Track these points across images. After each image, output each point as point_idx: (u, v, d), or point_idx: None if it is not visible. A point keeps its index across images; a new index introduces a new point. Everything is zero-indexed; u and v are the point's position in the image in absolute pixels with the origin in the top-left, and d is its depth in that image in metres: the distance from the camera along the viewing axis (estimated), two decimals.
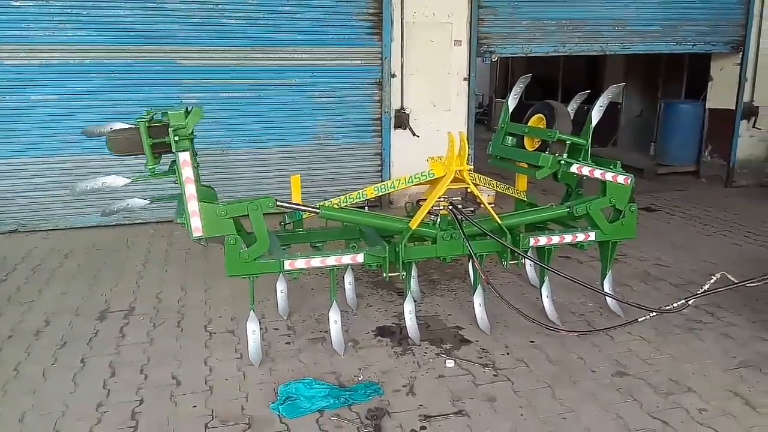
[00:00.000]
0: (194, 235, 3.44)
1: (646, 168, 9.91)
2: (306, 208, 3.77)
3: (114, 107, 6.70)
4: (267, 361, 3.72)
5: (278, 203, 3.45)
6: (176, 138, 3.30)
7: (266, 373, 3.58)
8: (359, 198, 4.10)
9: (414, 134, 7.63)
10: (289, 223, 4.30)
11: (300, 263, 3.64)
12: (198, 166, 3.57)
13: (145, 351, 3.87)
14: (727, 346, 3.88)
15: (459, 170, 3.82)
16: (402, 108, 7.58)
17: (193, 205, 3.41)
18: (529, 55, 8.18)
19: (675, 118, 10.07)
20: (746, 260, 5.63)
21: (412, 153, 7.55)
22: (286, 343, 3.97)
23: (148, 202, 3.51)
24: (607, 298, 4.40)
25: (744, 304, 4.49)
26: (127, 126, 3.45)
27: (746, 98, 8.85)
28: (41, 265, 5.55)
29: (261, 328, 4.02)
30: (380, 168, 7.71)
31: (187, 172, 3.37)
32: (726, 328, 4.15)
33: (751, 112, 8.87)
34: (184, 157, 3.36)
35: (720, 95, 9.19)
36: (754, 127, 8.92)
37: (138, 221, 6.97)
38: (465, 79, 7.76)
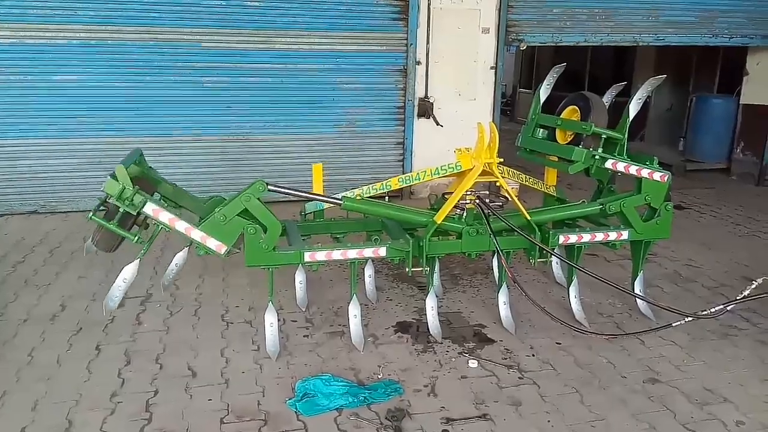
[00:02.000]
0: (222, 254, 3.36)
1: (674, 164, 9.60)
2: (327, 199, 3.65)
3: (136, 89, 6.64)
4: (284, 354, 3.62)
5: (270, 188, 3.30)
6: (126, 203, 3.21)
7: (284, 366, 3.49)
8: (383, 189, 3.97)
9: (438, 123, 7.46)
10: (310, 213, 4.18)
11: (320, 255, 3.52)
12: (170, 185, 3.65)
13: (161, 339, 3.80)
14: (764, 355, 3.70)
15: (488, 163, 3.66)
16: (426, 96, 7.40)
17: (196, 234, 3.33)
18: (558, 44, 7.94)
19: (706, 112, 9.75)
20: None
21: (435, 143, 7.40)
22: (304, 336, 3.87)
23: (138, 260, 3.44)
24: (637, 300, 4.22)
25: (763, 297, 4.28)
26: (95, 229, 3.41)
27: None
28: (59, 248, 5.51)
29: (279, 320, 3.93)
30: (402, 157, 7.56)
31: (164, 216, 3.31)
32: (762, 335, 3.96)
33: None
34: (150, 208, 3.28)
35: (755, 90, 8.86)
36: None
37: None
38: (492, 68, 7.55)
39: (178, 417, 3.02)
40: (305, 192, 3.69)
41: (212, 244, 3.35)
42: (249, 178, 6.99)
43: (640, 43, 8.21)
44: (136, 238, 3.38)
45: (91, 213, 3.28)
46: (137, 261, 3.47)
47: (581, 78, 13.97)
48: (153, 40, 6.56)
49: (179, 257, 4.06)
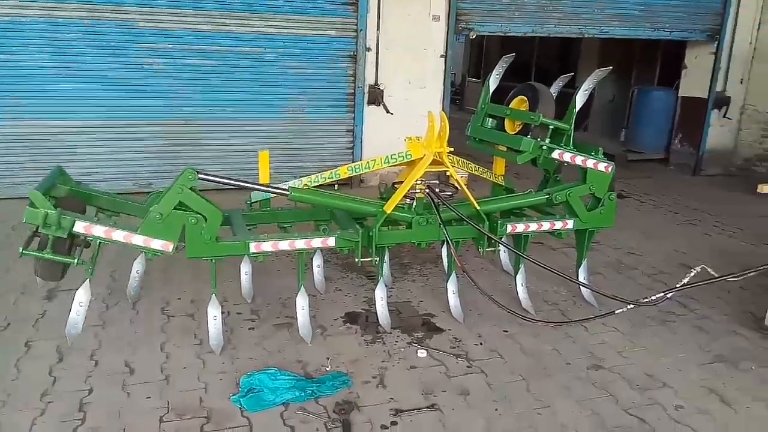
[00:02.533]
0: (170, 251, 3.22)
1: (616, 154, 9.88)
2: (274, 190, 3.53)
3: (69, 69, 6.28)
4: (229, 348, 3.50)
5: (201, 176, 3.16)
6: (54, 227, 3.04)
7: (228, 361, 3.37)
8: (332, 177, 3.88)
9: (388, 111, 7.40)
10: (256, 202, 4.05)
11: (267, 246, 3.41)
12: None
13: (96, 335, 3.61)
14: (701, 340, 3.84)
15: (438, 152, 3.62)
16: (376, 83, 7.32)
17: (137, 240, 3.19)
18: (507, 34, 8.00)
19: (647, 104, 10.07)
20: (717, 251, 5.63)
21: (385, 131, 7.34)
22: (250, 329, 3.76)
23: (87, 280, 3.29)
24: (581, 288, 4.31)
25: (717, 296, 4.47)
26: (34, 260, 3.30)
27: (719, 87, 8.88)
28: None
29: (223, 313, 3.80)
30: (352, 145, 7.47)
31: (98, 230, 3.16)
32: (700, 321, 4.11)
33: (722, 101, 8.91)
34: (81, 226, 3.13)
35: (693, 84, 9.21)
36: (725, 116, 8.97)
37: None
38: (442, 57, 7.53)
39: (113, 416, 2.87)
40: (245, 181, 3.55)
41: (157, 245, 3.21)
42: (191, 164, 6.73)
43: (586, 35, 8.38)
44: (76, 260, 3.24)
45: (22, 248, 3.09)
46: (87, 282, 3.32)
47: (528, 69, 14.18)
48: (88, 18, 6.21)
49: (138, 263, 3.93)
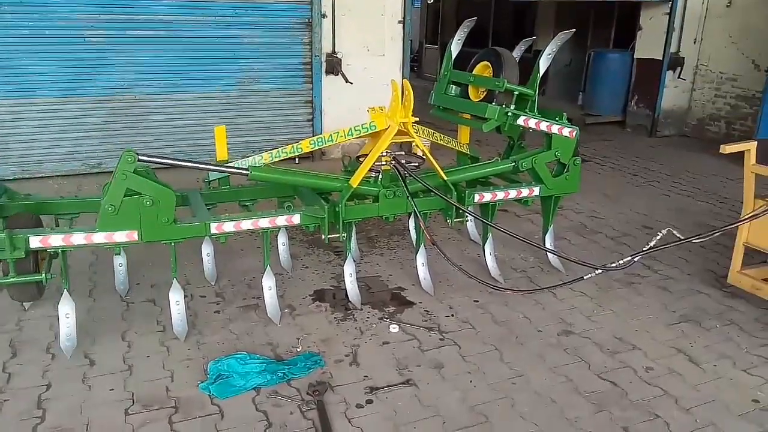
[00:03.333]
0: (138, 240, 3.08)
1: (574, 118, 9.90)
2: (233, 170, 3.37)
3: (2, 44, 5.86)
4: (194, 333, 3.38)
5: (142, 158, 2.97)
6: (8, 251, 2.90)
7: (193, 347, 3.25)
8: (294, 152, 3.74)
9: (347, 81, 7.21)
10: (214, 180, 3.88)
11: (228, 226, 3.27)
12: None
13: (52, 326, 3.41)
14: (667, 300, 3.91)
15: (403, 122, 3.52)
16: (334, 52, 7.10)
17: (98, 238, 3.03)
18: None
19: (603, 67, 10.14)
20: (675, 210, 5.75)
21: (345, 101, 7.17)
22: (215, 312, 3.64)
23: (65, 290, 3.15)
24: (548, 253, 4.32)
25: (678, 256, 4.55)
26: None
27: (673, 48, 8.98)
28: None
29: (186, 296, 3.67)
30: (311, 116, 7.27)
31: (55, 240, 2.99)
32: (664, 281, 4.19)
33: (677, 62, 9.03)
34: (36, 241, 2.96)
35: (648, 45, 9.29)
36: (679, 77, 9.11)
37: (40, 174, 6.24)
38: (400, 23, 7.35)
39: (75, 412, 2.73)
40: (198, 162, 3.38)
41: (121, 237, 3.05)
42: (141, 143, 6.51)
43: None
44: (44, 277, 3.15)
45: None
46: (65, 293, 3.14)
47: (486, 34, 14.06)
48: None
49: (119, 258, 3.79)
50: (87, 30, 6.10)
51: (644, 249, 3.56)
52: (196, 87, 6.69)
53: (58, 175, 6.27)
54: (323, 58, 7.09)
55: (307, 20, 6.93)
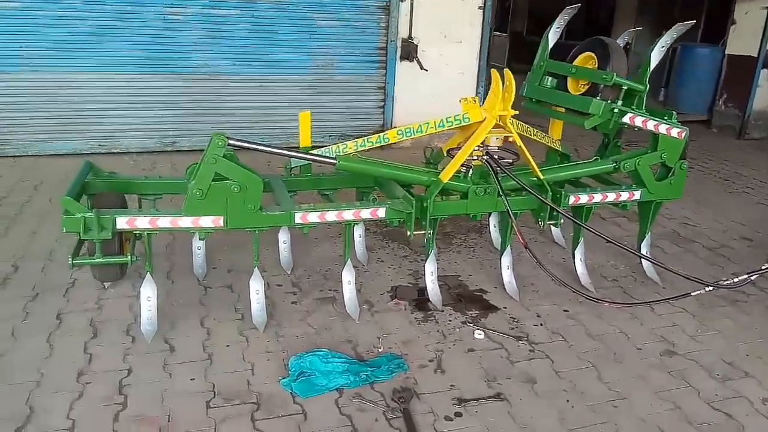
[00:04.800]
0: (223, 226, 3.00)
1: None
2: (320, 158, 3.22)
3: (87, 18, 5.90)
4: (272, 324, 3.27)
5: (231, 142, 2.86)
6: (95, 231, 2.86)
7: (272, 339, 3.14)
8: (380, 142, 3.55)
9: (422, 68, 6.98)
10: (296, 167, 3.75)
11: (313, 216, 3.13)
12: None
13: (131, 306, 3.38)
14: None
15: (501, 116, 3.28)
16: (410, 37, 6.88)
17: (185, 222, 2.97)
18: None
19: (690, 62, 9.55)
20: None
21: (419, 88, 6.97)
22: (292, 303, 3.52)
23: (148, 273, 3.09)
24: (642, 261, 4.01)
25: None
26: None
27: None
28: (7, 198, 4.93)
29: (264, 285, 3.57)
30: (383, 103, 7.09)
31: (141, 222, 2.94)
32: None
33: None
34: (123, 222, 2.91)
35: (741, 41, 8.64)
36: None
37: (116, 150, 6.31)
38: (480, 8, 7.06)
39: (157, 401, 2.66)
40: (287, 148, 3.25)
41: (206, 222, 2.97)
42: (216, 123, 6.49)
43: None
44: (130, 258, 3.09)
45: (70, 258, 2.96)
46: (148, 276, 3.09)
47: None
48: None
49: (198, 242, 3.76)
50: (166, 7, 6.08)
51: (763, 268, 3.22)
52: (271, 69, 6.61)
53: (133, 152, 6.32)
54: (399, 44, 6.88)
55: (385, 3, 6.73)
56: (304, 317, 3.37)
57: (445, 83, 6.97)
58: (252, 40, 6.45)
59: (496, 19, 16.45)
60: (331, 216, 3.18)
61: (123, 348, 3.02)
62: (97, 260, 3.01)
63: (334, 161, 3.21)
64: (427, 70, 7.02)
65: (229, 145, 2.90)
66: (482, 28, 7.14)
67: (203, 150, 2.90)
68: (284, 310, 3.44)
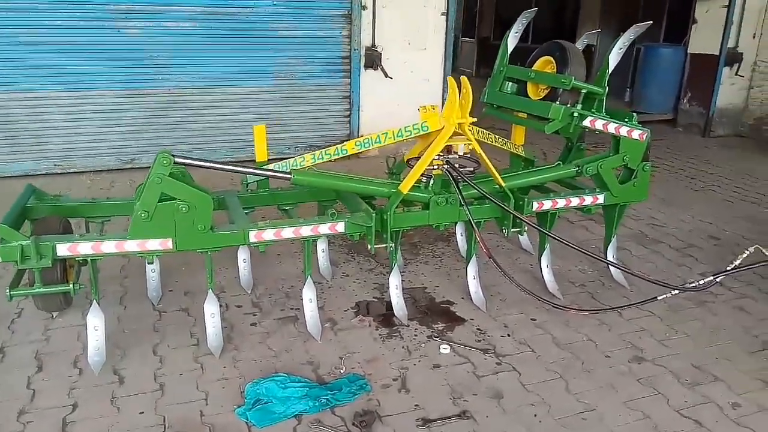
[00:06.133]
0: (173, 249, 2.86)
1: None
2: (273, 173, 3.11)
3: (37, 36, 5.70)
4: (229, 349, 3.13)
5: (178, 160, 2.73)
6: (34, 260, 2.69)
7: (229, 365, 3.00)
8: (338, 154, 3.45)
9: (386, 75, 6.91)
10: (252, 182, 3.62)
11: (269, 234, 3.01)
12: None
13: (80, 336, 3.21)
14: (746, 323, 3.52)
15: (460, 123, 3.20)
16: (373, 45, 6.80)
17: (131, 246, 2.80)
18: None
19: (654, 63, 9.62)
20: (741, 218, 5.31)
21: (384, 96, 6.89)
22: (252, 325, 3.39)
23: (94, 301, 2.92)
24: (610, 266, 3.96)
25: (753, 271, 4.13)
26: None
27: (731, 44, 8.43)
28: None
29: (221, 306, 3.43)
30: (349, 112, 6.99)
31: (84, 248, 2.78)
32: (739, 300, 3.79)
33: (734, 58, 8.48)
34: (65, 248, 2.75)
35: (703, 40, 8.74)
36: (737, 74, 8.56)
37: (72, 170, 6.10)
38: (443, 14, 7.01)
39: None
40: (235, 164, 3.12)
41: (154, 245, 2.82)
42: (175, 139, 6.33)
43: None
44: (73, 286, 2.92)
45: (8, 290, 2.78)
46: (95, 304, 2.92)
47: (526, 28, 13.55)
48: None
49: (152, 263, 3.58)
50: (120, 21, 5.91)
51: (729, 268, 3.18)
52: (232, 81, 6.47)
53: (90, 171, 6.12)
54: (362, 52, 6.80)
55: (346, 12, 6.64)
56: (264, 339, 3.24)
57: (410, 90, 6.91)
58: (211, 53, 6.30)
59: (464, 25, 16.55)
60: (288, 233, 3.06)
61: (69, 381, 2.85)
62: (36, 290, 2.85)
63: (289, 176, 3.09)
64: (392, 78, 6.94)
65: (175, 163, 2.77)
66: (446, 35, 7.09)
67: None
68: (243, 332, 3.30)
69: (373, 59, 6.83)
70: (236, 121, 6.46)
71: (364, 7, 6.64)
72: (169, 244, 2.84)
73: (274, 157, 6.37)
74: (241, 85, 6.51)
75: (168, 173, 2.74)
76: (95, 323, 2.94)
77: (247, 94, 6.56)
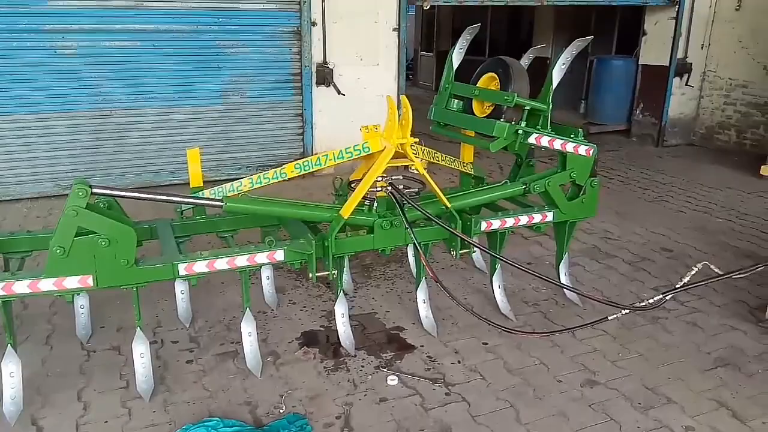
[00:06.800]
0: (94, 286, 2.65)
1: (577, 127, 9.54)
2: (204, 202, 2.94)
3: None
4: (161, 390, 2.92)
5: (96, 191, 2.56)
6: None
7: (159, 408, 2.79)
8: (276, 178, 3.29)
9: (339, 92, 6.79)
10: (188, 209, 3.43)
11: (200, 266, 2.83)
12: None
13: None
14: (698, 340, 3.47)
15: (401, 144, 3.09)
16: (325, 62, 6.68)
17: (46, 285, 2.59)
18: (462, 3, 7.44)
19: (606, 74, 9.74)
20: (693, 229, 5.33)
21: (338, 113, 6.76)
22: (188, 362, 3.18)
23: (9, 346, 2.68)
24: (563, 282, 3.88)
25: (705, 285, 4.11)
26: None
27: (680, 54, 8.59)
28: None
29: (155, 342, 3.23)
30: (302, 130, 6.84)
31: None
32: (691, 315, 3.75)
33: (684, 68, 8.64)
34: None
35: (653, 51, 8.89)
36: (687, 84, 8.72)
37: (6, 197, 5.78)
38: (395, 30, 6.94)
39: None
40: (153, 193, 2.94)
41: (72, 283, 2.61)
42: (118, 160, 6.10)
43: (545, 2, 7.89)
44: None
45: None
46: (9, 348, 2.70)
47: (482, 41, 13.69)
48: None
49: (81, 299, 3.34)
50: (57, 41, 5.66)
51: (677, 286, 3.13)
52: (178, 101, 6.26)
53: (27, 198, 5.82)
54: (313, 69, 6.67)
55: (295, 28, 6.51)
56: (200, 378, 3.04)
57: (364, 107, 6.78)
58: (155, 72, 6.09)
59: (423, 39, 16.62)
60: (222, 264, 2.89)
61: None
62: None
63: (221, 203, 2.92)
64: (344, 95, 6.82)
65: (93, 193, 2.57)
66: (398, 50, 7.02)
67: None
68: (177, 371, 3.10)
69: (325, 76, 6.70)
70: (183, 142, 6.23)
71: (313, 23, 6.52)
72: (89, 281, 2.64)
73: (225, 178, 6.22)
74: (187, 104, 6.30)
75: (85, 205, 2.54)
76: (11, 369, 2.71)
77: (194, 114, 6.35)
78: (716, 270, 3.06)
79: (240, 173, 6.28)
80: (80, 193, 2.52)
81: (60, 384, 2.97)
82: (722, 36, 8.48)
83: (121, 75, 5.95)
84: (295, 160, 3.72)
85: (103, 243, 2.60)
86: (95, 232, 2.59)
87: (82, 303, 3.40)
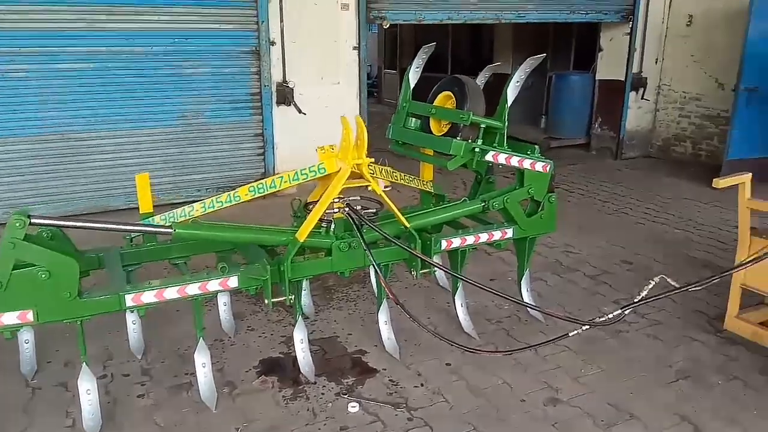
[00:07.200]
0: (35, 321, 2.53)
1: (538, 142, 9.67)
2: (152, 229, 2.84)
3: None
4: (110, 428, 2.78)
5: (35, 221, 2.44)
6: None
7: None
8: (230, 201, 3.21)
9: (300, 111, 6.73)
10: (137, 236, 3.31)
11: (149, 296, 2.71)
12: None
13: None
14: (659, 352, 3.49)
15: (357, 164, 3.04)
16: (284, 81, 6.62)
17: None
18: (422, 22, 7.49)
19: (565, 90, 9.93)
20: (652, 241, 5.40)
21: (299, 132, 6.69)
22: (139, 396, 3.05)
23: None
24: (524, 298, 3.87)
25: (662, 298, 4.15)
26: None
27: (635, 69, 8.80)
28: None
29: (105, 377, 3.09)
30: (263, 150, 6.75)
31: None
32: (652, 327, 3.78)
33: (639, 83, 8.86)
34: None
35: (609, 66, 9.09)
36: (642, 98, 8.93)
37: None
38: (355, 48, 6.94)
39: None
40: (95, 222, 2.83)
41: (11, 319, 2.49)
42: (72, 185, 5.92)
43: (503, 20, 8.00)
44: None
45: None
46: None
47: (444, 59, 13.84)
48: None
49: (25, 334, 3.17)
50: (5, 65, 5.48)
51: (636, 301, 3.13)
52: (134, 123, 6.10)
53: None
54: (273, 88, 6.60)
55: (254, 48, 6.44)
56: (151, 413, 2.91)
57: (326, 126, 6.63)
58: (109, 95, 5.94)
59: (386, 56, 16.73)
60: (172, 293, 2.78)
61: None
62: None
63: (170, 230, 2.81)
64: (305, 114, 6.77)
65: (31, 224, 2.45)
66: (359, 68, 7.02)
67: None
68: (127, 407, 2.96)
69: (286, 95, 6.64)
70: (138, 165, 6.06)
71: (272, 43, 6.47)
72: (29, 316, 2.51)
73: (183, 200, 6.05)
74: (143, 126, 6.15)
75: (22, 236, 2.41)
76: None
77: (150, 136, 6.20)
78: (673, 283, 3.08)
79: (199, 195, 6.16)
80: (17, 224, 2.40)
81: (1, 425, 2.80)
82: (675, 51, 8.73)
83: (74, 98, 5.78)
84: (257, 180, 3.65)
85: (43, 275, 2.47)
86: (35, 265, 2.47)
87: (26, 337, 3.23)
